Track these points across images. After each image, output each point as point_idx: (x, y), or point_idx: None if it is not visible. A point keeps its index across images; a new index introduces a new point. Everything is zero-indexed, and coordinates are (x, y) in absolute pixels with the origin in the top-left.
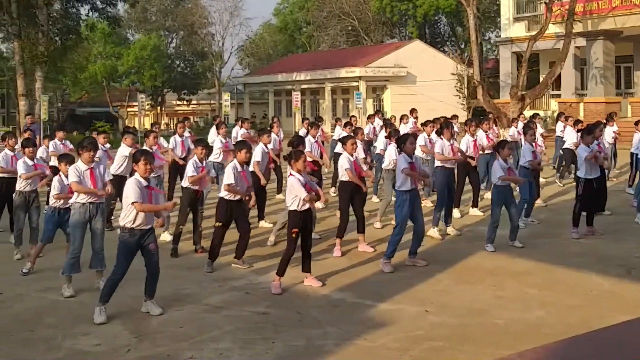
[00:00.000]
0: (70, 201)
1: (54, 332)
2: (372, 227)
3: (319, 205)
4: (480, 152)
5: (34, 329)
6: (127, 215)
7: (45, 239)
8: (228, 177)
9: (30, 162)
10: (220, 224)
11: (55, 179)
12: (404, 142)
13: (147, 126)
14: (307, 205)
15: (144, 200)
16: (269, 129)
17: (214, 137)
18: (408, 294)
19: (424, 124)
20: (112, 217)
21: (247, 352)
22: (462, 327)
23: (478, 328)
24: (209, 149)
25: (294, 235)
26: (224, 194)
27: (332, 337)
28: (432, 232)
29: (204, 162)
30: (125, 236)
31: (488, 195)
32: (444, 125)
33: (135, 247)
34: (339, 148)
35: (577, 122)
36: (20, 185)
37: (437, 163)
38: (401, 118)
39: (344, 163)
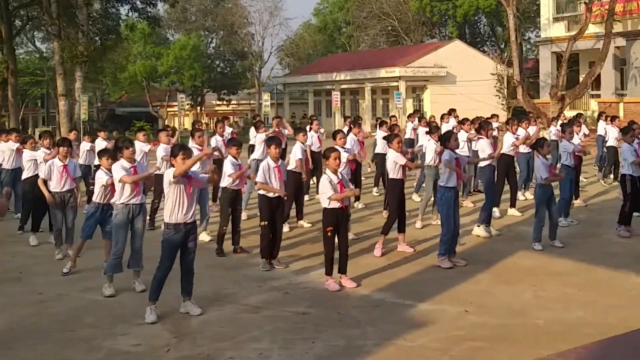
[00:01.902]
0: (113, 201)
1: (94, 332)
2: (412, 227)
3: (358, 205)
4: (521, 151)
5: (74, 329)
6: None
7: (85, 236)
8: (259, 175)
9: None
10: (266, 222)
11: (98, 172)
12: (447, 139)
13: (187, 126)
14: (339, 204)
15: (181, 196)
16: (306, 127)
17: (256, 136)
18: (448, 294)
19: (461, 122)
20: (156, 216)
21: (286, 352)
22: (502, 327)
23: (518, 328)
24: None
25: (329, 233)
26: (262, 191)
27: (371, 337)
28: (479, 231)
29: (239, 161)
30: (170, 233)
31: (522, 195)
32: (483, 125)
33: (179, 244)
34: (380, 148)
35: (614, 118)
36: (54, 186)
37: (485, 162)
38: (441, 118)
39: (396, 159)
